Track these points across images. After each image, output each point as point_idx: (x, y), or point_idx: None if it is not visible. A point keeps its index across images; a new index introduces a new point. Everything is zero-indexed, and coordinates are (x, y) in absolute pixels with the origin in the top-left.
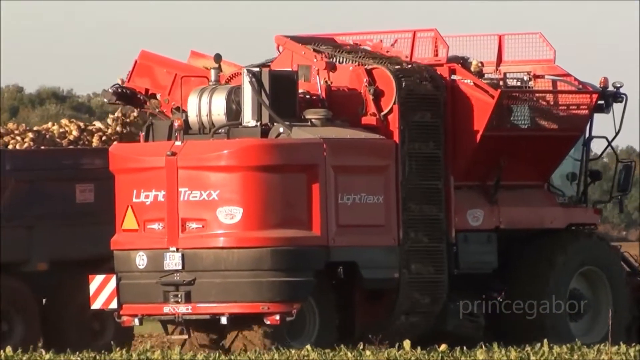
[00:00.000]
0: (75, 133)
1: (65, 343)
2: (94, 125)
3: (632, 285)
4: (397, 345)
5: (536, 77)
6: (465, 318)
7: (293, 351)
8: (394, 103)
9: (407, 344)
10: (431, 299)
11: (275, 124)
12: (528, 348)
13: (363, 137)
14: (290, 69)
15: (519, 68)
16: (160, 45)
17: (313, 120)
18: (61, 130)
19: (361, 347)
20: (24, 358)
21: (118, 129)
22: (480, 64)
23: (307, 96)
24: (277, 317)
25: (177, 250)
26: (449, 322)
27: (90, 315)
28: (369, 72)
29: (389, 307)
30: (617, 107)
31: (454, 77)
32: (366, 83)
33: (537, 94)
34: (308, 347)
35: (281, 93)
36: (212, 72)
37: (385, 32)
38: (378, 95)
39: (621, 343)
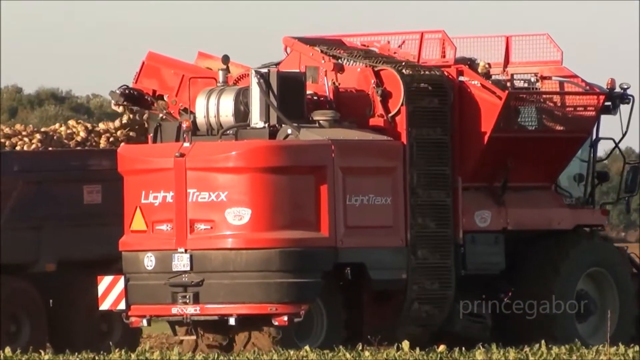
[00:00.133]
0: (82, 134)
1: (73, 344)
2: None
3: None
4: (395, 346)
5: (543, 78)
6: (472, 319)
7: (292, 352)
8: (402, 104)
9: (405, 344)
10: (438, 299)
11: (283, 125)
12: (527, 349)
13: (371, 139)
14: (298, 70)
15: (526, 69)
16: (160, 46)
17: (321, 121)
18: (69, 131)
19: (360, 347)
20: (23, 358)
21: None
22: (487, 65)
23: (315, 97)
24: (285, 318)
25: (186, 251)
26: (456, 323)
27: (98, 316)
28: (377, 74)
29: (396, 308)
30: (624, 108)
31: (461, 78)
32: (374, 84)
33: (544, 96)
34: (307, 347)
35: (289, 94)
36: (220, 73)
37: (393, 33)
38: (386, 96)
39: (620, 344)
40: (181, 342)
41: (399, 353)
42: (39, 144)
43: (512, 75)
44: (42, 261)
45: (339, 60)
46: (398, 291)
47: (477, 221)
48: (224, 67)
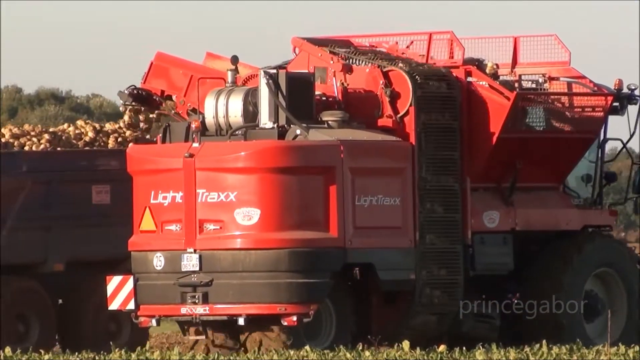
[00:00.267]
0: (91, 134)
1: (82, 344)
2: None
3: None
4: (396, 345)
5: (551, 79)
6: (481, 319)
7: (292, 352)
8: (410, 105)
9: (405, 344)
10: (447, 300)
11: (292, 125)
12: (527, 349)
13: (380, 139)
14: (306, 71)
15: (534, 70)
16: (161, 45)
17: (330, 122)
18: (77, 131)
19: (360, 347)
20: (24, 358)
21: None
22: (495, 66)
23: (324, 98)
24: (294, 318)
25: (195, 251)
26: (464, 323)
27: (107, 316)
28: (386, 74)
29: (404, 309)
30: (632, 109)
31: (469, 79)
32: (382, 85)
33: (552, 96)
34: (307, 347)
35: (298, 95)
36: (229, 73)
37: (401, 34)
38: (394, 97)
39: (620, 344)
40: (196, 342)
41: (399, 353)
42: (48, 144)
43: (520, 76)
44: (50, 261)
45: (348, 61)
46: (406, 291)
47: (486, 222)
48: (233, 67)
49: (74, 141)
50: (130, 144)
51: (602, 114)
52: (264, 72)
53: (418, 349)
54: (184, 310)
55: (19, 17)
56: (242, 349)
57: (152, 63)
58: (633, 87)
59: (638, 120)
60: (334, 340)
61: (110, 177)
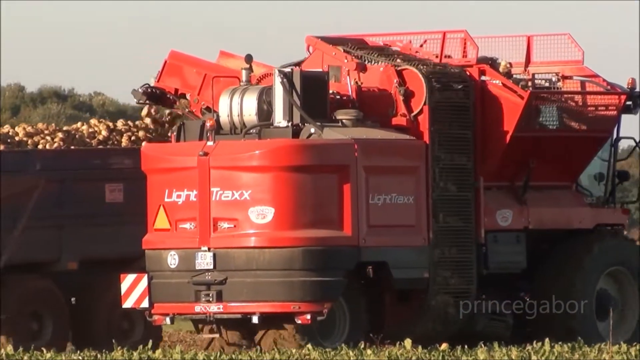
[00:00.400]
0: (104, 133)
1: (95, 342)
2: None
3: None
4: (398, 344)
5: (565, 78)
6: (494, 318)
7: (294, 350)
8: (424, 104)
9: (407, 343)
10: (460, 298)
11: (306, 124)
12: (529, 347)
13: (394, 138)
14: (321, 70)
15: (548, 69)
16: (163, 44)
17: (344, 120)
18: (90, 130)
19: (362, 346)
20: (25, 357)
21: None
22: (508, 65)
23: (338, 97)
24: (308, 316)
25: (209, 249)
26: (477, 322)
27: (120, 314)
28: (399, 73)
29: (418, 307)
30: None
31: (483, 78)
32: (396, 84)
33: (565, 95)
34: (309, 346)
35: (312, 93)
36: (243, 72)
37: (415, 32)
38: (408, 96)
39: (622, 342)
40: (212, 340)
41: (401, 351)
42: (61, 143)
43: (533, 74)
44: (64, 259)
45: (362, 60)
46: (420, 290)
47: (499, 220)
48: (247, 66)
49: (88, 140)
50: (144, 143)
51: (615, 112)
52: (279, 70)
53: (420, 347)
54: (198, 308)
55: (22, 16)
56: (257, 347)
57: (166, 61)
58: None
59: None
60: (347, 338)
61: (124, 176)
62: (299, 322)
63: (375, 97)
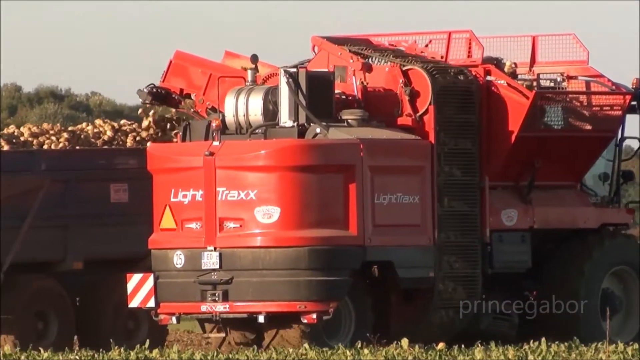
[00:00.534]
0: (109, 133)
1: (100, 341)
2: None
3: None
4: (394, 343)
5: (569, 78)
6: (499, 317)
7: (291, 350)
8: (430, 104)
9: (404, 342)
10: (465, 298)
11: (312, 124)
12: (526, 347)
13: (399, 138)
14: (326, 70)
15: (552, 69)
16: (156, 44)
17: (349, 120)
18: (95, 130)
19: (359, 345)
20: (22, 357)
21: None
22: (513, 65)
23: (343, 97)
24: (314, 316)
25: (215, 249)
26: (482, 321)
27: (125, 313)
28: (405, 73)
29: (423, 306)
30: None
31: (488, 78)
32: (402, 84)
33: (570, 95)
34: (306, 345)
35: (318, 93)
36: (249, 72)
37: (420, 33)
38: (414, 95)
39: (619, 342)
40: (223, 340)
41: (397, 351)
42: (66, 143)
43: (538, 74)
44: (69, 259)
45: (367, 60)
46: (425, 289)
47: (504, 220)
48: (252, 66)
49: (93, 140)
50: (149, 143)
51: (620, 112)
52: (284, 70)
53: (417, 346)
54: (204, 308)
55: (18, 16)
56: (263, 346)
57: (171, 62)
58: None
59: None
60: (353, 337)
61: (129, 176)
62: (305, 321)
63: (381, 97)
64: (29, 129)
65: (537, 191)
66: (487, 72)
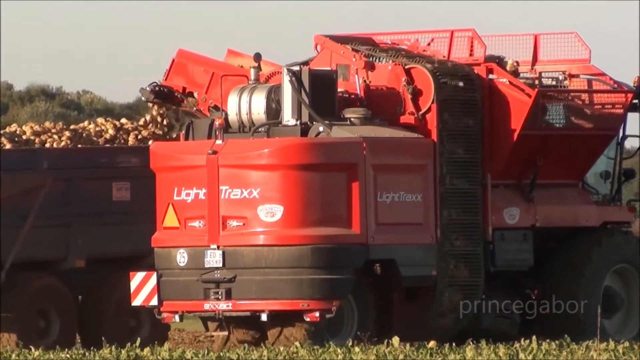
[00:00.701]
0: (111, 132)
1: (102, 340)
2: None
3: None
4: (385, 341)
5: (571, 76)
6: (501, 315)
7: (282, 348)
8: (432, 102)
9: (395, 340)
10: (467, 296)
11: (314, 122)
12: (517, 345)
13: (402, 136)
14: (329, 68)
15: (554, 67)
16: (153, 43)
17: (352, 119)
18: (97, 129)
19: (350, 343)
20: (13, 355)
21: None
22: (515, 63)
23: (346, 95)
24: (317, 314)
25: (218, 247)
26: (484, 320)
27: (127, 312)
28: (408, 71)
29: (426, 305)
30: None
31: (491, 76)
32: (404, 82)
33: (572, 94)
34: (297, 344)
35: (321, 92)
36: (252, 71)
37: (423, 31)
38: (416, 94)
39: (610, 340)
40: (227, 338)
41: (389, 349)
42: (68, 142)
43: (540, 73)
44: (71, 258)
45: (370, 58)
46: (428, 287)
47: (506, 218)
48: (255, 64)
49: (95, 138)
50: (150, 141)
51: (621, 111)
52: (287, 69)
53: (408, 345)
54: (207, 306)
55: (9, 14)
56: (267, 344)
57: (173, 60)
58: None
59: None
60: (356, 336)
61: (131, 174)
62: (308, 319)
63: (384, 95)
64: (31, 127)
65: (539, 189)
66: (490, 71)
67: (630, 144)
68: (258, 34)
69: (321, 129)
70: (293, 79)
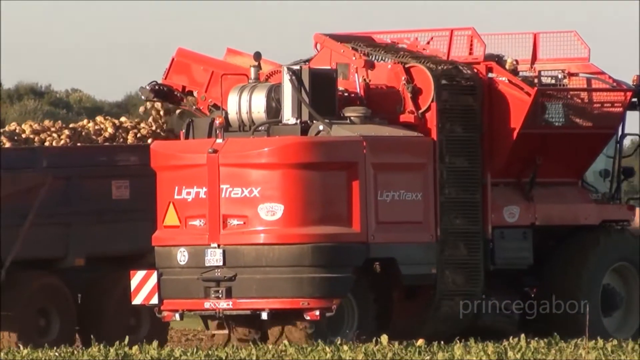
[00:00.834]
0: (110, 130)
1: (102, 338)
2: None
3: None
4: (374, 340)
5: (570, 75)
6: (500, 313)
7: (270, 346)
8: (432, 101)
9: (384, 338)
10: (467, 294)
11: (315, 121)
12: (505, 343)
13: (402, 135)
14: (329, 67)
15: (554, 66)
16: (148, 42)
17: (352, 118)
18: (97, 127)
19: (339, 342)
20: (2, 354)
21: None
22: (515, 62)
23: (346, 94)
24: (317, 312)
25: (219, 246)
26: (483, 317)
27: (127, 310)
28: (407, 70)
29: (426, 303)
30: None
31: (490, 75)
32: (404, 81)
33: (571, 92)
34: (285, 342)
35: (321, 91)
36: (252, 70)
37: (422, 30)
38: (416, 93)
39: (598, 337)
40: (213, 335)
41: (377, 347)
42: (68, 140)
43: (539, 71)
44: (71, 256)
45: (370, 57)
46: (428, 286)
47: (506, 216)
48: (255, 63)
49: (94, 137)
50: (150, 139)
51: (620, 109)
52: (287, 68)
53: (396, 343)
54: (207, 304)
55: None
56: (265, 342)
57: (173, 59)
58: None
59: None
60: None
61: (130, 173)
62: (308, 318)
63: (383, 94)
64: (30, 126)
65: (538, 188)
66: (489, 69)
67: (629, 142)
68: (258, 33)
69: (321, 127)
70: (293, 77)
